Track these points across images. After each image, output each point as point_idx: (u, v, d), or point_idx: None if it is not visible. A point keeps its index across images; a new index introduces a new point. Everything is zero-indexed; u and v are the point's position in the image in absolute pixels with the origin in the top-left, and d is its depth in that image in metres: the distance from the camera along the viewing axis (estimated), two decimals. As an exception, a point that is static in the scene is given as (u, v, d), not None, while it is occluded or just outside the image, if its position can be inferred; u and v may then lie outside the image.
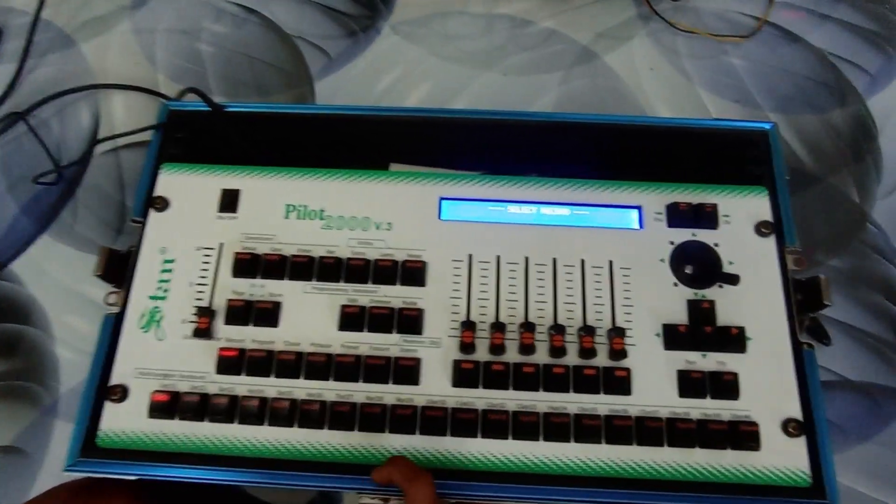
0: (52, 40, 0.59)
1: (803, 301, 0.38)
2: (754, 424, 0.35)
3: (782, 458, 0.35)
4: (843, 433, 0.45)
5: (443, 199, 0.41)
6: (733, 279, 0.37)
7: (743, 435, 0.35)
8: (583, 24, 0.60)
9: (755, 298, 0.38)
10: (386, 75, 0.57)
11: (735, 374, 0.36)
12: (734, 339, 0.36)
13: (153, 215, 0.40)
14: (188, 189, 0.41)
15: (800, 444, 0.35)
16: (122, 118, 0.55)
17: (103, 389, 0.36)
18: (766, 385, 0.36)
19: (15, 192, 0.52)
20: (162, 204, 0.41)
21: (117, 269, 0.39)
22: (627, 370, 0.36)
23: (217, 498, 0.41)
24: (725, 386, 0.36)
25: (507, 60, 0.58)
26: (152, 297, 0.38)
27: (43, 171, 0.51)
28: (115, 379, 0.37)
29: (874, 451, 0.45)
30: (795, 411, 0.35)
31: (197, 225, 0.40)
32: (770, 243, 0.39)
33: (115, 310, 0.38)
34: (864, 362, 0.47)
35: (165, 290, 0.38)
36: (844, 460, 0.44)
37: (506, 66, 0.58)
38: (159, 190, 0.41)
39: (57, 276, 0.50)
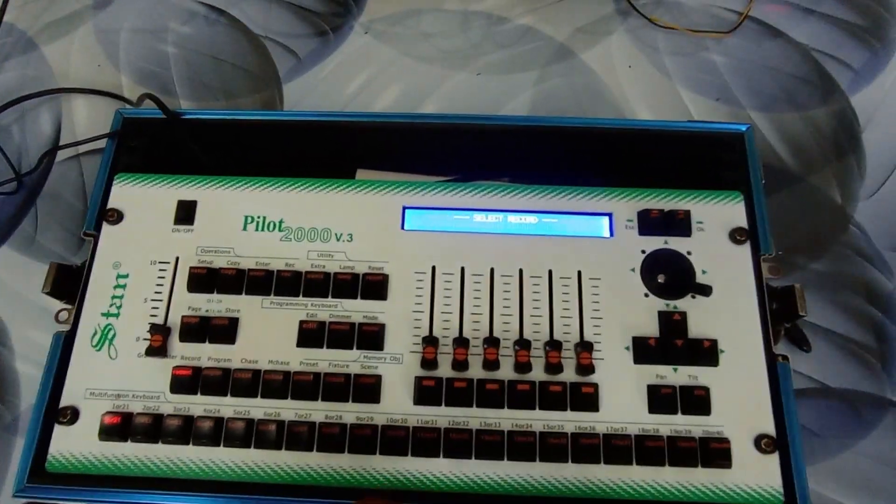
0: (14, 44, 0.57)
1: (779, 310, 0.37)
2: (726, 441, 0.34)
3: (754, 475, 0.33)
4: (824, 442, 0.44)
5: (406, 207, 0.39)
6: (706, 290, 0.36)
7: (714, 452, 0.33)
8: (560, 20, 0.59)
9: (729, 309, 0.37)
10: (357, 76, 0.56)
11: (707, 389, 0.35)
12: (706, 353, 0.35)
13: (106, 228, 0.39)
14: (143, 200, 0.40)
15: (773, 461, 0.34)
16: (85, 123, 0.54)
17: (53, 411, 0.35)
18: (739, 400, 0.35)
19: (-27, 202, 0.51)
20: (115, 216, 0.39)
21: (68, 284, 0.38)
22: (595, 386, 0.35)
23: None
24: (697, 401, 0.35)
25: (481, 59, 0.57)
26: (105, 314, 0.37)
27: (2, 180, 0.49)
28: (66, 400, 0.35)
29: (855, 461, 0.44)
30: (769, 427, 0.34)
31: (152, 238, 0.39)
32: (745, 251, 0.38)
33: (66, 327, 0.37)
34: (845, 368, 0.46)
35: (118, 307, 0.37)
36: (824, 470, 0.43)
37: (480, 64, 0.56)
38: (113, 202, 0.40)
39: (17, 288, 0.48)
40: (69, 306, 0.38)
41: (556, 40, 0.58)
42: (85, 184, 0.52)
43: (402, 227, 0.39)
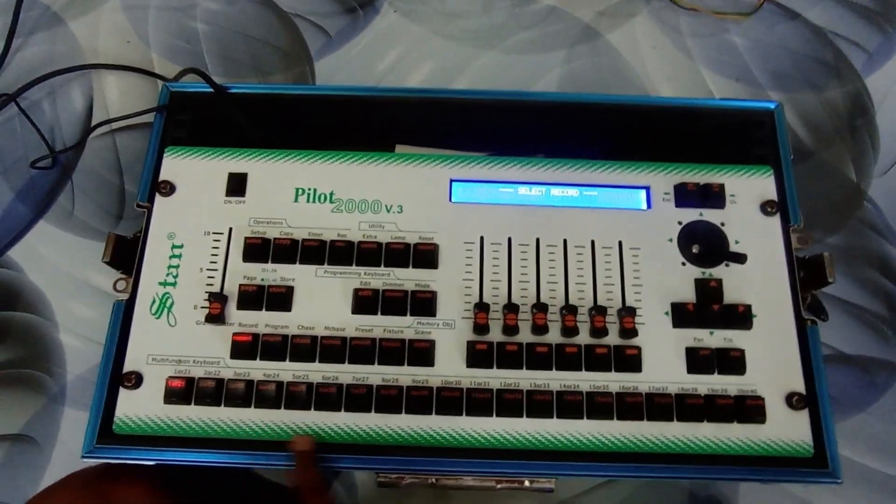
0: (39, 18, 0.57)
1: (806, 278, 0.39)
2: (760, 398, 0.36)
3: (786, 430, 0.36)
4: (839, 405, 0.47)
5: (453, 180, 0.41)
6: (741, 258, 0.38)
7: (749, 409, 0.36)
8: (584, 1, 0.60)
9: (761, 276, 0.39)
10: (387, 54, 0.56)
11: (741, 351, 0.37)
12: (740, 317, 0.37)
13: (159, 200, 0.40)
14: (194, 173, 0.40)
15: (803, 417, 0.36)
16: (116, 99, 0.54)
17: (117, 376, 0.36)
18: (771, 360, 0.37)
19: (9, 178, 0.51)
20: (168, 188, 0.40)
21: (124, 255, 0.39)
22: (638, 348, 0.37)
23: (234, 482, 0.41)
24: (732, 362, 0.37)
25: (508, 39, 0.58)
26: (162, 283, 0.38)
27: (38, 157, 0.50)
28: (129, 366, 0.36)
29: (869, 422, 0.46)
30: (799, 385, 0.37)
31: (204, 209, 0.40)
32: (775, 222, 0.40)
33: (125, 296, 0.38)
34: (859, 336, 0.48)
35: (175, 276, 0.38)
36: (840, 431, 0.46)
37: (507, 45, 0.57)
38: (164, 174, 0.40)
39: (56, 262, 0.49)
40: (126, 276, 0.38)
41: (582, 21, 0.59)
42: (120, 159, 0.52)
43: (450, 200, 0.40)
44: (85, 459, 0.35)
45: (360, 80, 0.55)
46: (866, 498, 0.44)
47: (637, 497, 0.44)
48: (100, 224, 0.50)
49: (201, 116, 0.43)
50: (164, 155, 0.41)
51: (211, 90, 0.43)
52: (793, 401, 0.36)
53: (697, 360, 0.37)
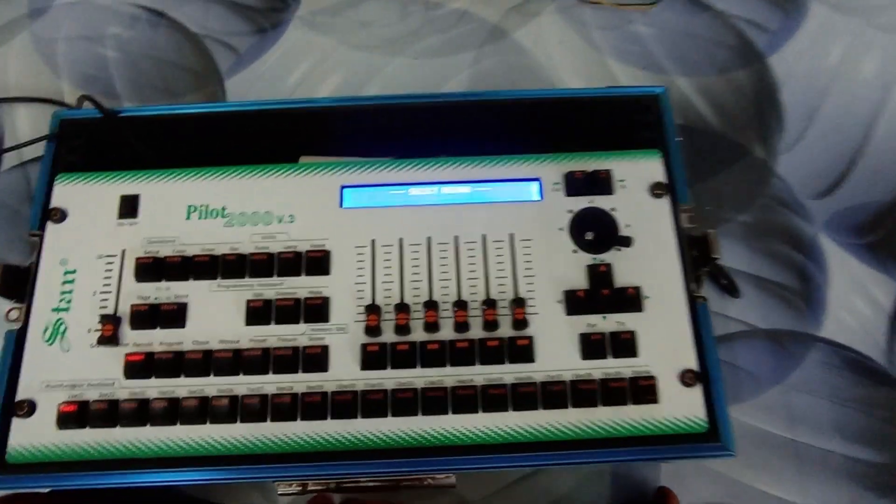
0: (-50, 56, 0.57)
1: (699, 257, 0.40)
2: (652, 378, 0.36)
3: (680, 407, 0.36)
4: (757, 379, 0.47)
5: (344, 187, 0.41)
6: (626, 241, 0.39)
7: (642, 389, 0.36)
8: (492, 2, 0.61)
9: (651, 258, 0.39)
10: (297, 68, 0.57)
11: (632, 333, 0.37)
12: (631, 299, 0.38)
13: (51, 227, 0.40)
14: (86, 198, 0.41)
15: (696, 393, 0.36)
16: (27, 131, 0.54)
17: (10, 406, 0.36)
18: (663, 340, 0.37)
19: (-81, 216, 0.51)
20: (59, 215, 0.40)
21: (17, 284, 0.38)
22: (530, 338, 0.37)
23: (139, 498, 0.41)
24: (624, 344, 0.37)
25: (418, 44, 0.59)
26: (55, 310, 0.38)
27: (-55, 192, 0.50)
28: (22, 394, 0.36)
29: (785, 393, 0.47)
30: (691, 362, 0.37)
31: (97, 233, 0.40)
32: (664, 204, 0.41)
33: (17, 325, 0.38)
34: (772, 310, 0.49)
35: (68, 301, 0.38)
36: (759, 404, 0.47)
37: (417, 49, 0.58)
38: (56, 201, 0.40)
39: (-30, 297, 0.49)
40: (19, 305, 0.38)
41: (489, 22, 0.60)
42: (31, 190, 0.52)
43: (341, 206, 0.40)
44: (-22, 492, 0.35)
45: (272, 95, 0.56)
46: (791, 469, 0.45)
47: (559, 484, 0.44)
48: (11, 255, 0.50)
49: (94, 142, 0.43)
50: (56, 182, 0.41)
51: (101, 115, 0.43)
52: (685, 378, 0.36)
53: (591, 346, 0.37)
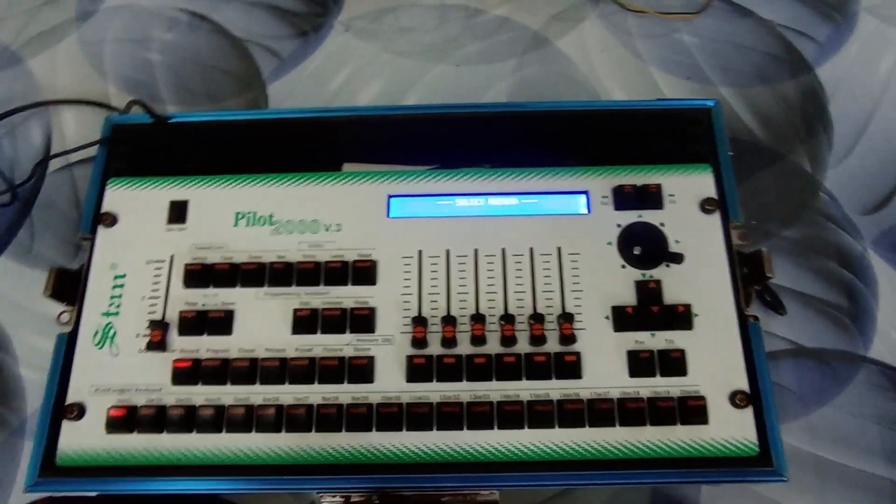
0: (-2, 59, 0.58)
1: (749, 274, 0.39)
2: (702, 399, 0.36)
3: (730, 429, 0.35)
4: (802, 400, 0.46)
5: (391, 196, 0.41)
6: (678, 258, 0.38)
7: (691, 409, 0.35)
8: (534, 9, 0.60)
9: (701, 275, 0.38)
10: (338, 74, 0.57)
11: (682, 351, 0.37)
12: (681, 317, 0.37)
13: (102, 231, 0.40)
14: (136, 203, 0.41)
15: (747, 415, 0.36)
16: (74, 133, 0.55)
17: (60, 408, 0.36)
18: (714, 359, 0.37)
19: (-31, 216, 0.52)
20: (110, 220, 0.40)
21: (68, 287, 0.39)
22: (577, 354, 0.37)
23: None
24: (674, 363, 0.36)
25: (460, 51, 0.58)
26: (105, 314, 0.38)
27: (-4, 193, 0.51)
28: (72, 397, 0.37)
29: (832, 415, 0.46)
30: (742, 383, 0.36)
31: (146, 238, 0.40)
32: (715, 220, 0.40)
33: (68, 328, 0.38)
34: (819, 328, 0.48)
35: (118, 306, 0.39)
36: (803, 426, 0.45)
37: (459, 56, 0.58)
38: (107, 206, 0.41)
39: (16, 297, 0.49)
40: (70, 308, 0.39)
41: (532, 29, 0.59)
42: (77, 192, 0.53)
43: (388, 215, 0.40)
44: (28, 493, 0.35)
45: (313, 100, 0.56)
46: (832, 493, 0.44)
47: (594, 500, 0.43)
48: (59, 257, 0.50)
49: (144, 147, 0.44)
50: (107, 187, 0.41)
51: (151, 120, 0.43)
52: (736, 399, 0.36)
53: (639, 363, 0.36)
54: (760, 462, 0.35)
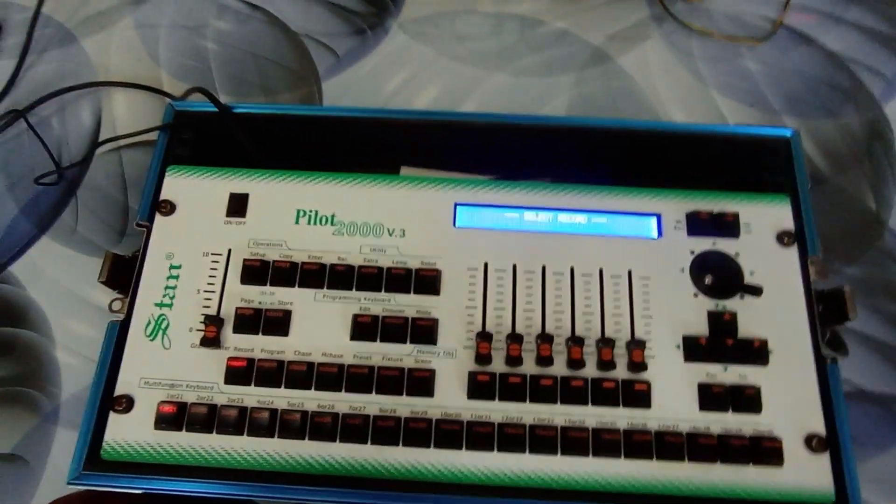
0: (53, 36, 0.58)
1: (824, 312, 0.38)
2: (777, 440, 0.34)
3: (805, 474, 0.34)
4: (860, 445, 0.45)
5: (458, 204, 0.40)
6: (756, 290, 0.36)
7: (765, 450, 0.34)
8: (595, 24, 0.59)
9: (777, 310, 0.37)
10: (395, 75, 0.56)
11: (757, 388, 0.35)
12: (756, 352, 0.36)
13: (159, 219, 0.39)
14: (195, 192, 0.40)
15: (823, 461, 0.34)
16: (125, 116, 0.54)
17: (108, 399, 0.35)
18: (789, 399, 0.35)
19: (15, 192, 0.51)
20: (168, 208, 0.39)
21: (122, 274, 0.38)
22: (647, 383, 0.35)
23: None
24: (747, 400, 0.35)
25: (518, 61, 0.57)
26: (158, 304, 0.37)
27: (44, 172, 0.49)
28: (121, 389, 0.35)
29: (892, 463, 0.44)
30: (819, 426, 0.35)
31: (204, 230, 0.39)
32: (792, 253, 0.39)
33: (120, 317, 0.37)
34: (881, 372, 0.46)
35: (172, 298, 0.37)
36: (861, 473, 0.44)
37: (516, 67, 0.57)
38: (165, 193, 0.40)
39: (57, 278, 0.48)
40: (121, 296, 0.38)
41: (592, 44, 0.58)
42: (125, 176, 0.52)
43: (454, 224, 0.39)
44: (71, 485, 0.34)
45: (368, 100, 0.55)
46: (891, 546, 0.42)
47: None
48: (102, 241, 0.49)
49: (205, 135, 0.43)
50: (166, 174, 0.40)
51: (215, 109, 0.42)
52: (812, 443, 0.34)
53: (710, 397, 0.35)
54: (836, 511, 0.33)
